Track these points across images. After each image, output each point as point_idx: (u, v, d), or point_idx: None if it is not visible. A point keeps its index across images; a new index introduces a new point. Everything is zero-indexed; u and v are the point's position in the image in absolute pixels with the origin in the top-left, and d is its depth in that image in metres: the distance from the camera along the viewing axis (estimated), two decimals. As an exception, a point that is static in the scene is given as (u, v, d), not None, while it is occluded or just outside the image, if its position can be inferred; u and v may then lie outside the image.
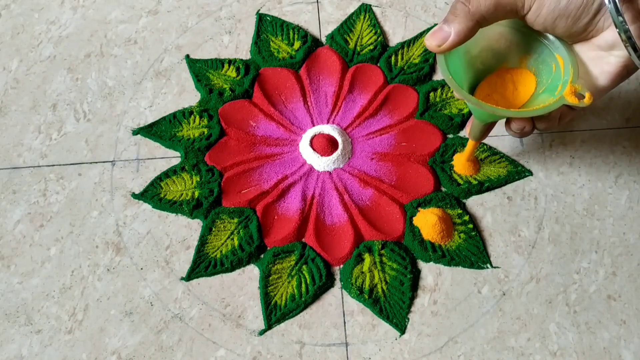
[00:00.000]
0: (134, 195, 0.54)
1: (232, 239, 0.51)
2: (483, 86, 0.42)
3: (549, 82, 0.40)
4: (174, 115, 0.58)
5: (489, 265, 0.51)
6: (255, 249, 0.51)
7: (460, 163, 0.53)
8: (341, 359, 0.47)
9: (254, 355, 0.47)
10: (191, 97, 0.60)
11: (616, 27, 0.33)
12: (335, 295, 0.50)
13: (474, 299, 0.49)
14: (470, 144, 0.49)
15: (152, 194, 0.54)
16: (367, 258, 0.50)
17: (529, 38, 0.40)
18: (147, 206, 0.54)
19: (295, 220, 0.52)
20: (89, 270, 0.51)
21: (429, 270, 0.51)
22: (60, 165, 0.56)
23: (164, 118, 0.58)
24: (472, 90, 0.42)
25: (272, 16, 0.64)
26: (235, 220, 0.52)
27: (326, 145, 0.55)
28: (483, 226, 0.53)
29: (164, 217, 0.53)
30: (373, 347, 0.47)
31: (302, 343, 0.48)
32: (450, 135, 0.58)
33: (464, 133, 0.47)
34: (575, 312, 0.49)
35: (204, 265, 0.50)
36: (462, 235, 0.52)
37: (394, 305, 0.49)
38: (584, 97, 0.37)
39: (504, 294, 0.50)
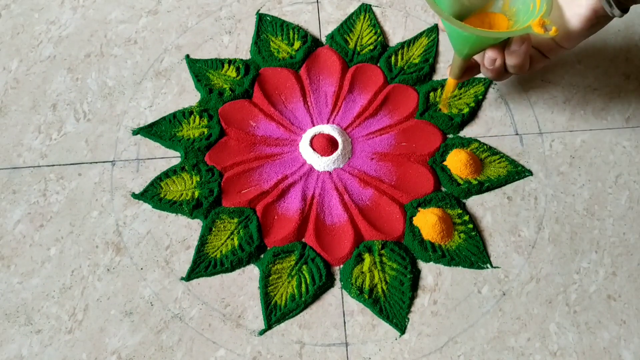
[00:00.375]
0: (134, 195, 0.54)
1: (232, 239, 0.51)
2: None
3: (524, 20, 0.43)
4: (174, 115, 0.58)
5: (489, 265, 0.51)
6: (255, 249, 0.51)
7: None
8: (341, 359, 0.47)
9: (254, 355, 0.47)
10: (191, 97, 0.60)
11: None
12: (335, 295, 0.50)
13: (474, 299, 0.49)
14: (449, 82, 0.50)
15: (152, 194, 0.54)
16: (367, 258, 0.50)
17: None
18: (147, 206, 0.54)
19: (295, 220, 0.52)
20: (89, 270, 0.51)
21: (429, 270, 0.51)
22: (60, 165, 0.56)
23: (164, 118, 0.58)
24: None
25: (272, 16, 0.64)
26: (235, 220, 0.52)
27: (326, 145, 0.55)
28: (483, 226, 0.53)
29: (164, 217, 0.53)
30: (373, 347, 0.47)
31: (302, 343, 0.48)
32: (450, 135, 0.58)
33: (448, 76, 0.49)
34: (575, 312, 0.49)
35: (204, 265, 0.50)
36: (462, 235, 0.52)
37: (394, 305, 0.49)
38: (550, 30, 0.40)
39: (504, 294, 0.50)
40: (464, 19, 0.46)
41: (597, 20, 0.39)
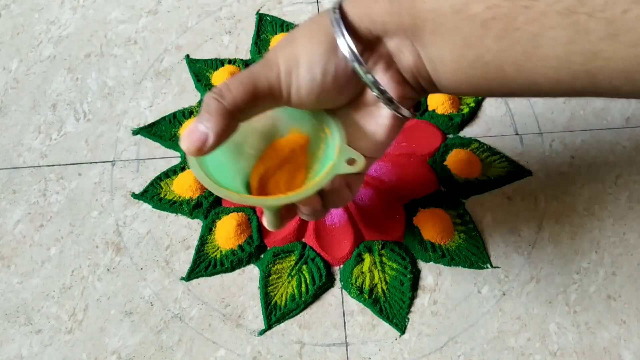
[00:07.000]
0: (134, 195, 0.54)
1: (232, 239, 0.51)
2: (258, 167, 0.35)
3: (323, 156, 0.35)
4: (174, 115, 0.58)
5: (489, 265, 0.51)
6: (255, 249, 0.51)
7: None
8: (341, 359, 0.47)
9: (254, 355, 0.47)
10: (191, 97, 0.60)
11: (365, 83, 0.31)
12: (335, 295, 0.50)
13: (474, 299, 0.49)
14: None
15: (152, 194, 0.54)
16: (367, 258, 0.50)
17: (292, 111, 0.35)
18: (147, 206, 0.54)
19: (295, 220, 0.52)
20: (89, 270, 0.51)
21: (429, 270, 0.51)
22: (60, 165, 0.56)
23: (164, 118, 0.58)
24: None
25: (272, 16, 0.64)
26: (235, 220, 0.52)
27: (326, 145, 0.55)
28: (483, 226, 0.53)
29: (164, 217, 0.53)
30: (373, 347, 0.47)
31: (302, 343, 0.48)
32: (450, 135, 0.58)
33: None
34: (575, 312, 0.49)
35: (204, 265, 0.50)
36: (462, 235, 0.52)
37: (394, 305, 0.49)
38: (355, 161, 0.33)
39: (504, 294, 0.50)
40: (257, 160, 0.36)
41: (400, 122, 0.34)
